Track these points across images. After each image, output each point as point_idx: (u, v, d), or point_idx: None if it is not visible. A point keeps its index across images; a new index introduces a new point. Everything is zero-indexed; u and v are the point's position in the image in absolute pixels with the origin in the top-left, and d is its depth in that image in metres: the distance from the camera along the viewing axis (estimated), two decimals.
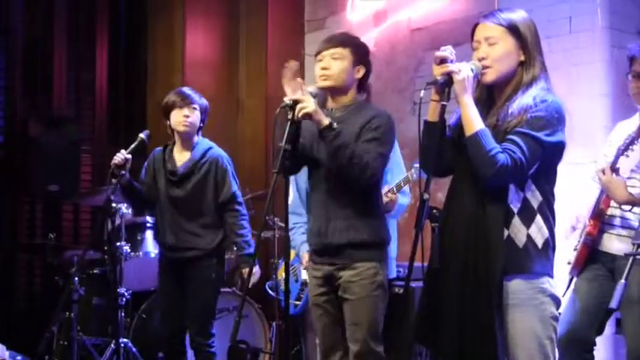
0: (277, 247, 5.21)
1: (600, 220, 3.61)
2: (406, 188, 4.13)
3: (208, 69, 7.21)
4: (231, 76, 7.25)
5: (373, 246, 3.31)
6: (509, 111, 2.67)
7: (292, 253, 4.57)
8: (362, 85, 3.39)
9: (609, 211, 3.60)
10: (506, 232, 2.63)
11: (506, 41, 2.73)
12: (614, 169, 3.43)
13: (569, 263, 3.71)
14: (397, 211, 4.11)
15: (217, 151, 4.49)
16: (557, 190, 4.71)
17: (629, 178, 3.51)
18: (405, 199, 4.14)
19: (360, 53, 3.36)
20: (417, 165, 4.10)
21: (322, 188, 3.34)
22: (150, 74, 7.32)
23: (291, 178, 4.37)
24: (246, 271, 4.30)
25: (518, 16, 2.79)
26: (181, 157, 4.45)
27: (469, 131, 2.62)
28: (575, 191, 4.45)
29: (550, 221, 2.71)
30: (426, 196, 2.57)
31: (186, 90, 4.50)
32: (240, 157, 7.01)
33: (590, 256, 3.64)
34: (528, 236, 2.64)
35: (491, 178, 2.59)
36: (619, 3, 4.83)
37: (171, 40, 7.17)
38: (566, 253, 3.74)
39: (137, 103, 7.20)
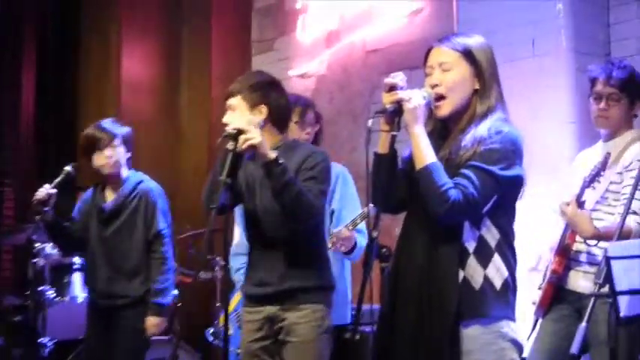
0: (218, 290, 5.15)
1: (566, 256, 3.63)
2: (363, 226, 4.13)
3: (146, 93, 7.23)
4: (171, 101, 7.27)
5: (319, 290, 3.33)
6: (462, 143, 2.66)
7: (238, 296, 4.53)
8: (277, 122, 3.37)
9: (575, 247, 3.63)
10: (461, 274, 2.63)
11: (460, 67, 2.75)
12: (580, 203, 3.46)
13: (533, 303, 3.72)
14: (356, 253, 4.10)
15: (148, 184, 4.48)
16: (518, 224, 4.76)
17: (593, 210, 3.55)
18: (363, 240, 4.13)
19: (257, 93, 3.33)
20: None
21: (261, 231, 3.34)
22: (82, 99, 7.32)
23: (237, 215, 4.36)
24: (150, 320, 4.28)
25: (474, 41, 2.80)
26: (111, 194, 4.46)
27: (419, 165, 2.63)
28: (537, 226, 4.50)
29: (510, 260, 2.71)
30: (374, 233, 2.56)
31: (105, 124, 4.45)
32: (181, 189, 6.99)
33: (556, 295, 3.66)
34: (485, 277, 2.64)
35: (442, 216, 2.59)
36: (584, 24, 4.92)
37: (106, 62, 7.19)
38: (530, 292, 3.75)
39: (67, 131, 7.13)
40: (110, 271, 4.38)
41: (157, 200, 4.42)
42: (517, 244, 4.28)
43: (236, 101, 3.32)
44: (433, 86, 2.75)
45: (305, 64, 6.56)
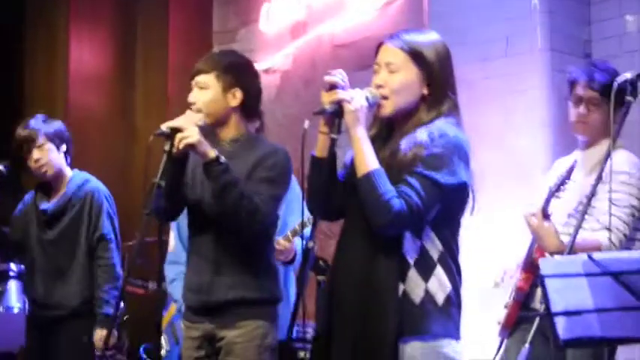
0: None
1: (532, 272, 3.66)
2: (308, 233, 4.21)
3: (97, 88, 7.25)
4: (125, 97, 7.30)
5: (262, 303, 3.34)
6: (401, 147, 2.72)
7: (173, 307, 4.65)
8: (247, 111, 3.41)
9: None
10: (401, 287, 2.67)
11: (407, 70, 2.78)
12: (545, 214, 3.52)
13: (499, 323, 3.77)
14: (298, 261, 4.13)
15: (94, 184, 4.55)
16: (489, 237, 4.89)
17: (565, 224, 3.62)
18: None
19: (232, 74, 3.33)
20: None
21: (205, 237, 3.36)
22: (26, 94, 7.33)
23: (173, 224, 4.46)
24: (99, 333, 4.33)
25: (426, 39, 2.83)
26: (53, 195, 4.52)
27: (360, 171, 2.66)
28: (506, 238, 4.63)
29: (454, 274, 2.74)
30: (310, 244, 2.60)
31: (32, 121, 4.49)
32: (134, 193, 7.03)
33: (519, 312, 3.70)
34: (426, 291, 2.68)
35: (384, 227, 2.63)
36: (560, 22, 5.05)
37: (52, 54, 7.19)
38: (495, 311, 3.82)
39: (9, 129, 7.11)
40: (50, 278, 4.44)
41: (103, 202, 4.47)
42: (485, 257, 4.41)
43: (209, 79, 3.30)
44: (378, 86, 2.79)
45: (269, 57, 6.63)
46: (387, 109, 2.80)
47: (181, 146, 3.11)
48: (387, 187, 2.65)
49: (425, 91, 2.81)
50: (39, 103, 7.05)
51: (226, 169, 3.15)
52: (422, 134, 2.72)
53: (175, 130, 3.11)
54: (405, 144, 2.72)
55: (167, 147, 3.12)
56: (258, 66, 6.59)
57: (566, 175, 3.57)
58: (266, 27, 6.71)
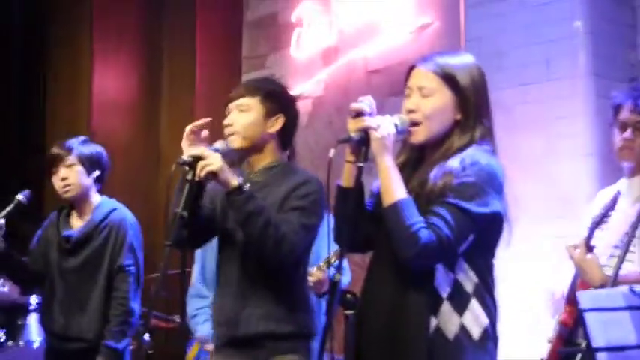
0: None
1: (575, 306, 3.56)
2: (346, 264, 4.20)
3: (122, 113, 7.32)
4: (150, 124, 7.35)
5: (295, 337, 3.30)
6: (430, 176, 2.70)
7: (196, 345, 4.62)
8: (284, 139, 3.42)
9: None
10: (434, 322, 2.64)
11: (442, 94, 2.76)
12: (589, 246, 3.48)
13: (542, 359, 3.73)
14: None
15: (122, 213, 4.51)
16: (531, 268, 4.82)
17: (610, 256, 3.56)
18: (345, 278, 4.20)
19: (276, 100, 3.36)
20: None
21: (234, 267, 3.34)
22: (50, 120, 7.39)
23: (197, 254, 4.46)
24: None
25: (460, 62, 2.81)
26: (78, 222, 4.50)
27: (387, 201, 2.64)
28: (554, 271, 4.55)
29: (490, 307, 2.71)
30: (337, 276, 2.56)
31: (69, 141, 4.49)
32: (159, 222, 7.03)
33: (564, 350, 3.64)
34: (461, 326, 2.65)
35: (412, 259, 2.61)
36: (606, 44, 5.02)
37: (76, 78, 7.27)
38: (539, 345, 3.76)
39: (33, 157, 7.16)
40: (69, 309, 4.41)
41: (128, 231, 4.44)
42: (527, 288, 4.33)
43: (252, 102, 3.31)
44: (409, 111, 2.77)
45: (300, 84, 6.65)
46: (420, 135, 2.79)
47: (203, 174, 3.11)
48: (415, 218, 2.62)
49: (458, 117, 2.79)
50: (61, 128, 7.12)
51: (249, 197, 3.15)
52: (453, 162, 2.70)
53: (197, 159, 3.11)
54: (435, 173, 2.70)
55: (189, 176, 3.12)
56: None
57: (610, 204, 3.54)
58: (297, 52, 6.75)
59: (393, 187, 2.67)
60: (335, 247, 4.09)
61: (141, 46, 7.47)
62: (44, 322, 4.61)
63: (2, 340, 5.23)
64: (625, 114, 3.65)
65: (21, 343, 5.46)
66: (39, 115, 7.45)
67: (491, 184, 2.69)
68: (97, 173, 4.48)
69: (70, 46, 7.42)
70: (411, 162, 2.85)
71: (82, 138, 4.57)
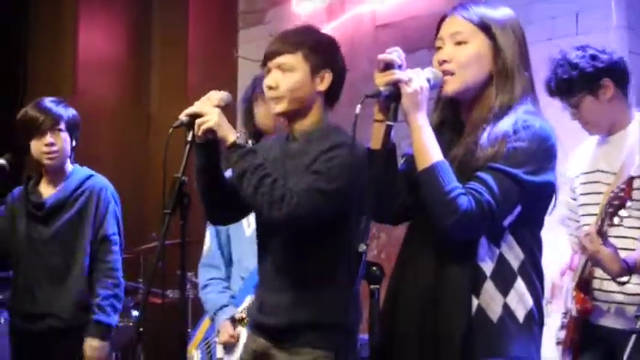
0: (191, 312, 5.10)
1: (588, 289, 3.62)
2: None
3: (109, 74, 7.21)
4: (140, 84, 7.27)
5: (329, 329, 3.03)
6: (480, 141, 2.58)
7: (206, 321, 4.48)
8: (332, 96, 3.17)
9: (599, 274, 3.62)
10: (475, 302, 2.55)
11: (477, 41, 2.67)
12: (602, 235, 3.41)
13: (558, 344, 3.70)
14: None
15: (100, 180, 4.43)
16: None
17: (623, 237, 3.56)
18: None
19: (321, 54, 3.12)
20: None
21: (267, 243, 3.18)
22: (31, 82, 7.28)
23: (209, 224, 4.29)
24: (89, 344, 4.19)
25: (498, 14, 2.72)
26: (49, 189, 4.39)
27: (422, 164, 2.54)
28: (557, 246, 4.48)
29: (536, 286, 2.63)
30: (362, 247, 2.44)
31: (47, 103, 4.36)
32: (150, 187, 6.97)
33: (584, 333, 3.64)
34: (505, 307, 2.56)
35: (450, 229, 2.50)
36: None
37: (59, 34, 7.15)
38: (551, 328, 3.71)
39: (10, 117, 7.07)
40: (38, 284, 4.29)
41: (111, 200, 4.38)
42: None
43: (295, 61, 3.07)
44: (441, 62, 2.66)
45: None
46: (453, 84, 2.66)
47: (200, 132, 2.96)
48: (452, 183, 2.51)
49: (495, 68, 2.68)
50: (42, 89, 6.98)
51: (244, 154, 2.98)
52: (503, 125, 2.58)
53: (195, 117, 2.97)
54: (483, 138, 2.58)
55: (189, 137, 2.98)
56: None
57: (625, 196, 3.39)
58: (299, 6, 6.63)
59: (428, 149, 2.55)
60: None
61: (130, 2, 7.36)
62: (10, 302, 4.50)
63: None
64: None
65: (2, 320, 5.37)
66: (19, 76, 7.34)
67: (544, 150, 2.58)
68: (74, 142, 4.39)
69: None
70: (449, 122, 2.75)
71: (57, 99, 4.45)
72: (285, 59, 3.09)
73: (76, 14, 7.06)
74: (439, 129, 2.66)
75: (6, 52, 7.33)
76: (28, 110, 4.35)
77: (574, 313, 3.64)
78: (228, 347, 4.12)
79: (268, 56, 3.13)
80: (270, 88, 3.10)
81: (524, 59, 2.71)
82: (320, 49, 3.13)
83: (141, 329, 5.48)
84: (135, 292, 6.10)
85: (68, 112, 4.38)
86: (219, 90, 3.14)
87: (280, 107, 3.11)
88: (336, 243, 3.08)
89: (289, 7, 6.65)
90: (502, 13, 2.74)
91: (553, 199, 2.68)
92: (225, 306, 4.15)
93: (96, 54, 7.15)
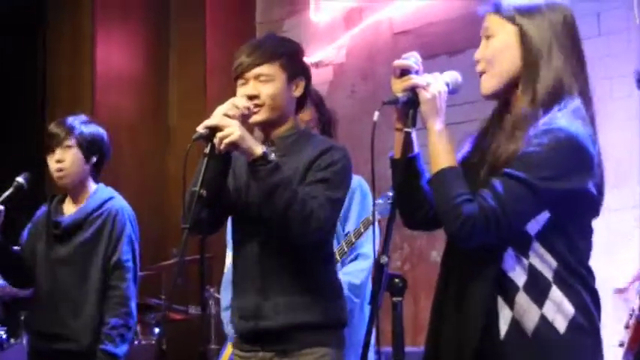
0: (213, 329, 5.08)
1: None
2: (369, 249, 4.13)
3: (128, 87, 7.20)
4: (158, 97, 7.25)
5: (324, 328, 3.18)
6: (499, 145, 2.52)
7: (229, 347, 4.46)
8: (300, 103, 3.30)
9: None
10: (508, 315, 2.48)
11: (503, 33, 2.56)
12: None
13: (621, 345, 3.69)
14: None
15: (119, 202, 4.35)
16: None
17: None
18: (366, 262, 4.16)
19: (295, 63, 3.24)
20: (381, 201, 4.09)
21: (254, 250, 3.21)
22: (48, 96, 7.28)
23: (229, 239, 4.28)
24: None
25: (533, 2, 2.57)
26: (71, 209, 4.36)
27: (433, 170, 2.51)
28: (609, 245, 4.44)
29: (579, 293, 2.50)
30: (383, 259, 2.43)
31: (68, 119, 4.32)
32: (168, 202, 6.96)
33: None
34: (542, 318, 2.47)
35: (455, 235, 2.46)
36: None
37: (77, 50, 7.14)
38: (614, 331, 3.72)
39: (31, 135, 7.00)
40: (55, 306, 4.23)
41: (126, 224, 4.29)
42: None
43: (273, 70, 3.15)
44: (475, 64, 2.60)
45: (320, 50, 6.57)
46: (485, 84, 2.60)
47: (223, 147, 2.97)
48: (460, 189, 2.45)
49: (523, 57, 2.54)
50: (62, 105, 7.06)
51: (275, 167, 3.01)
52: (526, 127, 2.48)
53: (214, 130, 2.97)
54: (503, 141, 2.51)
55: (207, 149, 2.98)
56: (308, 59, 6.55)
57: None
58: (316, 16, 6.65)
59: (441, 153, 2.51)
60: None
61: (147, 15, 7.33)
62: (28, 321, 4.50)
63: (5, 338, 5.11)
64: None
65: (24, 340, 5.35)
66: (37, 93, 7.36)
67: (568, 154, 2.43)
68: (94, 159, 4.31)
69: (70, 15, 7.28)
70: (494, 123, 2.65)
71: (83, 117, 4.40)
72: (263, 70, 3.16)
73: (92, 31, 7.06)
74: (484, 133, 2.62)
75: (25, 72, 7.36)
76: (50, 126, 4.34)
77: (638, 311, 3.62)
78: None
79: (245, 68, 3.17)
80: (251, 97, 3.13)
81: (564, 47, 2.55)
82: (294, 58, 3.25)
83: (163, 346, 5.53)
84: (157, 308, 6.10)
85: (84, 128, 4.31)
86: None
87: (260, 116, 3.16)
88: (324, 245, 3.23)
89: (307, 17, 6.67)
90: (537, 1, 2.58)
91: (594, 205, 2.53)
92: None
93: (114, 67, 7.15)
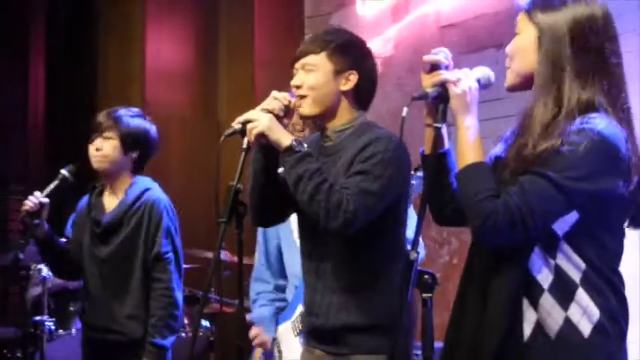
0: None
1: None
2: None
3: (177, 82, 7.28)
4: (207, 92, 7.31)
5: (381, 331, 3.06)
6: (524, 142, 2.46)
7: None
8: (361, 95, 3.20)
9: None
10: (533, 317, 2.45)
11: (526, 32, 2.55)
12: None
13: None
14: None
15: (155, 193, 4.31)
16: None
17: None
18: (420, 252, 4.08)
19: (346, 55, 3.16)
20: (414, 182, 3.97)
21: (310, 246, 3.19)
22: (100, 90, 7.39)
23: (259, 233, 4.32)
24: None
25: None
26: (110, 203, 4.35)
27: (460, 164, 2.50)
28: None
29: (605, 296, 2.46)
30: (413, 255, 2.40)
31: (118, 110, 4.33)
32: (221, 196, 6.98)
33: None
34: (567, 321, 2.44)
35: (480, 234, 2.44)
36: None
37: (127, 46, 7.25)
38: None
39: (84, 128, 7.17)
40: (105, 303, 4.28)
41: (163, 214, 4.26)
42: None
43: (318, 60, 3.14)
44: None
45: (368, 42, 6.42)
46: (507, 81, 2.61)
47: (252, 138, 3.00)
48: (484, 185, 2.42)
49: (548, 58, 2.51)
50: (113, 100, 7.06)
51: (300, 158, 2.99)
52: (558, 124, 2.45)
53: (246, 123, 3.03)
54: (525, 137, 2.47)
55: (244, 144, 3.03)
56: None
57: None
58: (363, 9, 6.62)
59: (469, 150, 2.49)
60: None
61: (196, 10, 7.41)
62: (79, 312, 4.55)
63: (53, 328, 5.18)
64: None
65: (72, 331, 5.45)
66: (88, 87, 7.45)
67: (599, 154, 2.38)
68: (135, 154, 4.30)
69: (121, 11, 7.39)
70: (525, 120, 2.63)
71: (135, 110, 4.43)
72: (308, 59, 3.16)
73: (143, 28, 7.14)
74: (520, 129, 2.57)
75: (75, 68, 7.47)
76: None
77: None
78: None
79: (296, 57, 3.19)
80: (296, 87, 3.14)
81: (587, 47, 2.47)
82: (345, 50, 3.18)
83: (211, 338, 5.59)
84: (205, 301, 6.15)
85: (128, 122, 4.29)
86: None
87: (305, 107, 3.15)
88: (385, 243, 3.14)
89: (354, 10, 6.63)
90: None
91: (625, 207, 2.49)
92: (273, 316, 4.23)
93: (163, 65, 7.23)
